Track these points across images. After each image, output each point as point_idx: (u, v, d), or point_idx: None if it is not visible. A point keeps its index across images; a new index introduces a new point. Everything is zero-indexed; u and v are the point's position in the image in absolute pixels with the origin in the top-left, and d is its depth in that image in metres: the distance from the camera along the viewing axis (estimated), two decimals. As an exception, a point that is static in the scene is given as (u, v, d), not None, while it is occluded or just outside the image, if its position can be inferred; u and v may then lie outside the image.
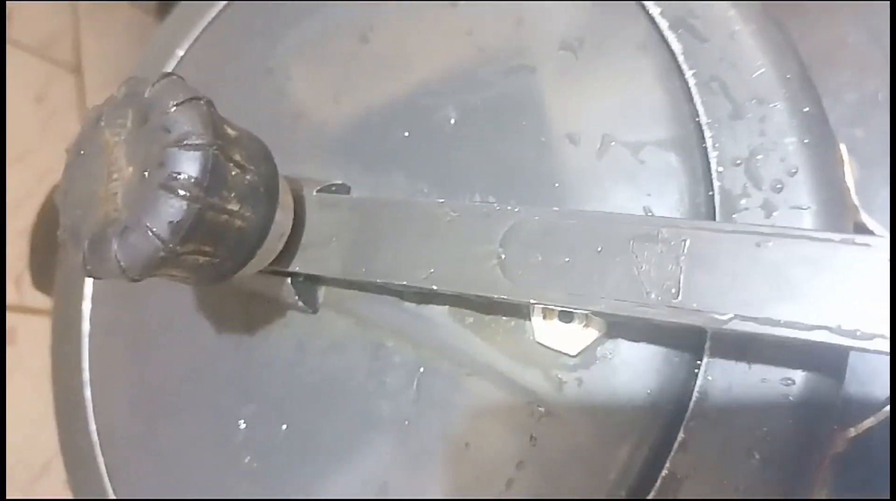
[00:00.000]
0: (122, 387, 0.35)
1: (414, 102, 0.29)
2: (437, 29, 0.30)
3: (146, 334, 0.35)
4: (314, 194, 0.27)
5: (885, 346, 0.19)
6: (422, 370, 0.27)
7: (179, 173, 0.21)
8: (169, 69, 0.38)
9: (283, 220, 0.25)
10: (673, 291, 0.21)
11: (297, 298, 0.28)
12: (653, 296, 0.21)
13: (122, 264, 0.22)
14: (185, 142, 0.21)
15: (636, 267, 0.21)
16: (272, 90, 0.33)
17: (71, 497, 0.36)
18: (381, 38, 0.31)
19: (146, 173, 0.21)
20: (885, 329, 0.18)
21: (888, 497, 0.25)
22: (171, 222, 0.21)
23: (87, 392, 0.36)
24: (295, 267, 0.26)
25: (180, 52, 0.38)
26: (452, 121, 0.28)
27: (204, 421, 0.31)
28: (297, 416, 0.29)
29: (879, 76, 0.51)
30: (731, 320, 0.20)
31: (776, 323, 0.20)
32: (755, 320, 0.20)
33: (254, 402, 0.30)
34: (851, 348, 0.19)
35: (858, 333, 0.19)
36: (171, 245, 0.21)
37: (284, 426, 0.29)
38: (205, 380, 0.32)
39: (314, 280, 0.28)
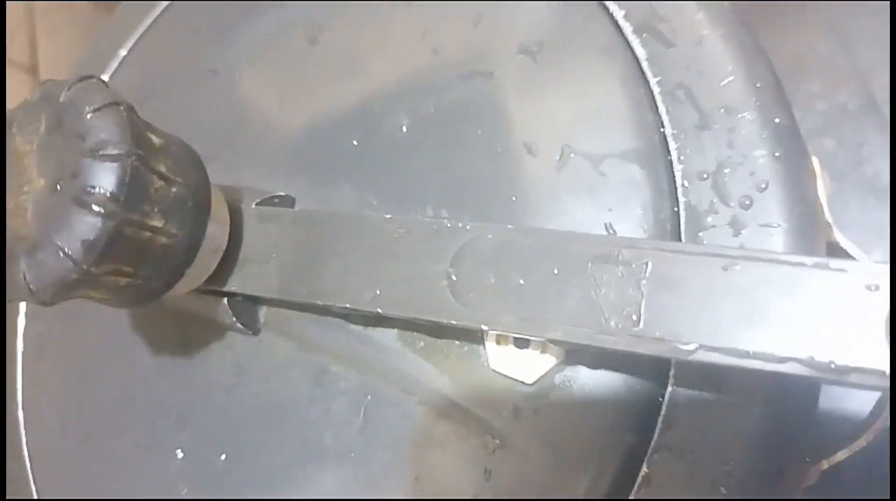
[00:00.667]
0: (56, 409, 0.33)
1: (364, 108, 0.28)
2: (390, 30, 0.28)
3: (81, 353, 0.33)
4: (253, 206, 0.25)
5: (863, 379, 0.17)
6: (369, 397, 0.25)
7: (94, 186, 0.19)
8: (111, 70, 0.36)
9: (217, 235, 0.23)
10: (634, 317, 0.19)
11: (234, 319, 0.26)
12: (612, 323, 0.19)
13: (30, 285, 0.19)
14: (101, 151, 0.19)
15: (594, 291, 0.19)
16: (216, 93, 0.31)
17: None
18: (331, 39, 0.30)
19: (58, 186, 0.19)
20: (862, 361, 0.17)
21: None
22: (84, 241, 0.19)
23: (20, 414, 0.34)
24: (232, 286, 0.24)
25: (123, 52, 0.36)
26: (404, 128, 0.27)
27: (139, 449, 0.29)
28: (237, 445, 0.27)
29: (849, 86, 0.50)
30: (696, 350, 0.18)
31: (745, 354, 0.18)
32: (722, 350, 0.18)
33: (191, 429, 0.28)
34: (826, 381, 0.18)
35: (833, 365, 0.17)
36: (84, 266, 0.19)
37: (223, 456, 0.27)
38: (140, 405, 0.29)
39: (254, 300, 0.26)
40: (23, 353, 0.35)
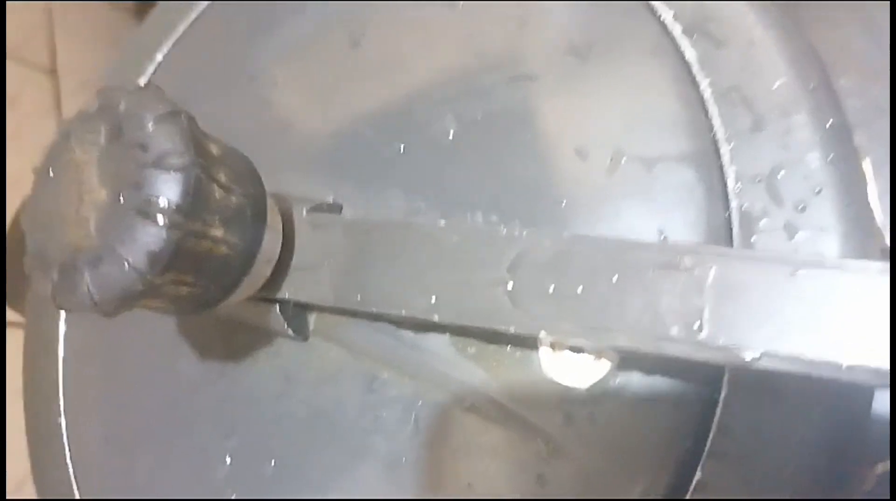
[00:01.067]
0: (99, 415, 0.33)
1: (409, 113, 0.28)
2: (434, 33, 0.28)
3: (125, 358, 0.33)
4: (304, 213, 0.25)
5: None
6: (420, 403, 0.25)
7: (158, 197, 0.19)
8: (146, 75, 0.36)
9: (271, 244, 0.23)
10: (697, 325, 0.19)
11: (286, 326, 0.26)
12: (675, 331, 0.19)
13: (94, 296, 0.20)
14: (163, 162, 0.19)
15: (656, 298, 0.19)
16: (256, 99, 0.32)
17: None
18: (374, 42, 0.30)
19: (121, 196, 0.19)
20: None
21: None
22: (149, 252, 0.19)
23: (62, 420, 0.34)
24: (284, 294, 0.25)
25: (158, 57, 0.36)
26: (451, 133, 0.27)
27: (186, 455, 0.29)
28: (286, 452, 0.27)
29: (883, 83, 0.50)
30: (761, 358, 0.18)
31: (811, 362, 0.18)
32: (788, 358, 0.18)
33: (239, 435, 0.28)
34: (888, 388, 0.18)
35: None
36: (149, 277, 0.19)
37: (273, 462, 0.27)
38: (187, 411, 0.30)
39: (304, 307, 0.26)
40: (64, 359, 0.35)
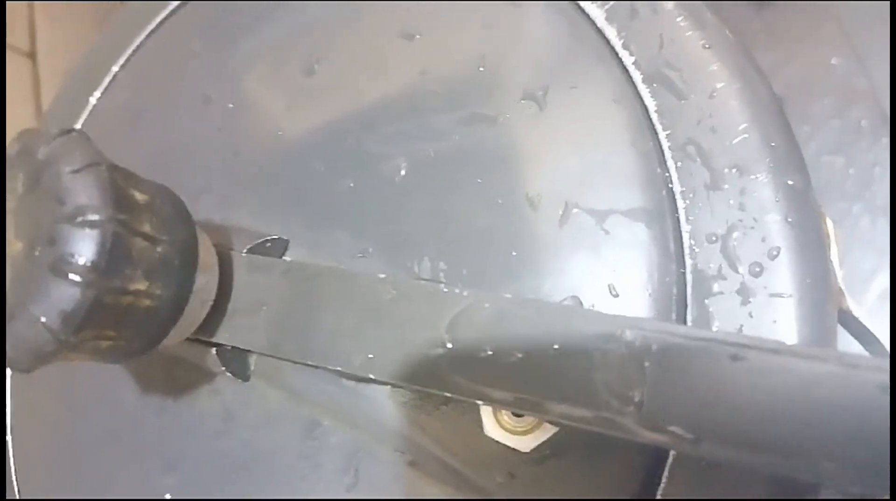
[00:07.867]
0: (45, 439, 0.32)
1: (361, 148, 0.26)
2: (390, 66, 0.27)
3: (71, 384, 0.32)
4: (243, 253, 0.24)
5: (870, 489, 0.16)
6: (360, 454, 0.24)
7: (73, 254, 0.18)
8: (102, 86, 0.35)
9: (205, 286, 0.23)
10: (636, 402, 0.18)
11: (224, 368, 0.25)
12: (614, 406, 0.18)
13: (7, 354, 0.19)
14: (79, 218, 0.18)
15: (595, 371, 0.19)
16: (209, 121, 0.30)
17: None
18: (329, 71, 0.28)
19: (35, 251, 0.18)
20: (884, 479, 0.16)
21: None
22: (62, 311, 0.18)
23: (9, 438, 0.34)
24: (220, 338, 0.24)
25: (115, 69, 0.35)
26: (402, 172, 0.26)
27: (127, 489, 0.28)
28: (224, 494, 0.26)
29: (864, 103, 0.49)
30: (701, 443, 0.17)
31: (754, 449, 0.17)
32: (730, 445, 0.17)
33: (179, 473, 0.27)
34: (830, 483, 0.17)
35: (839, 469, 0.16)
36: (62, 337, 0.18)
37: (210, 503, 0.26)
38: (128, 443, 0.29)
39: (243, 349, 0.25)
40: (12, 377, 0.34)
